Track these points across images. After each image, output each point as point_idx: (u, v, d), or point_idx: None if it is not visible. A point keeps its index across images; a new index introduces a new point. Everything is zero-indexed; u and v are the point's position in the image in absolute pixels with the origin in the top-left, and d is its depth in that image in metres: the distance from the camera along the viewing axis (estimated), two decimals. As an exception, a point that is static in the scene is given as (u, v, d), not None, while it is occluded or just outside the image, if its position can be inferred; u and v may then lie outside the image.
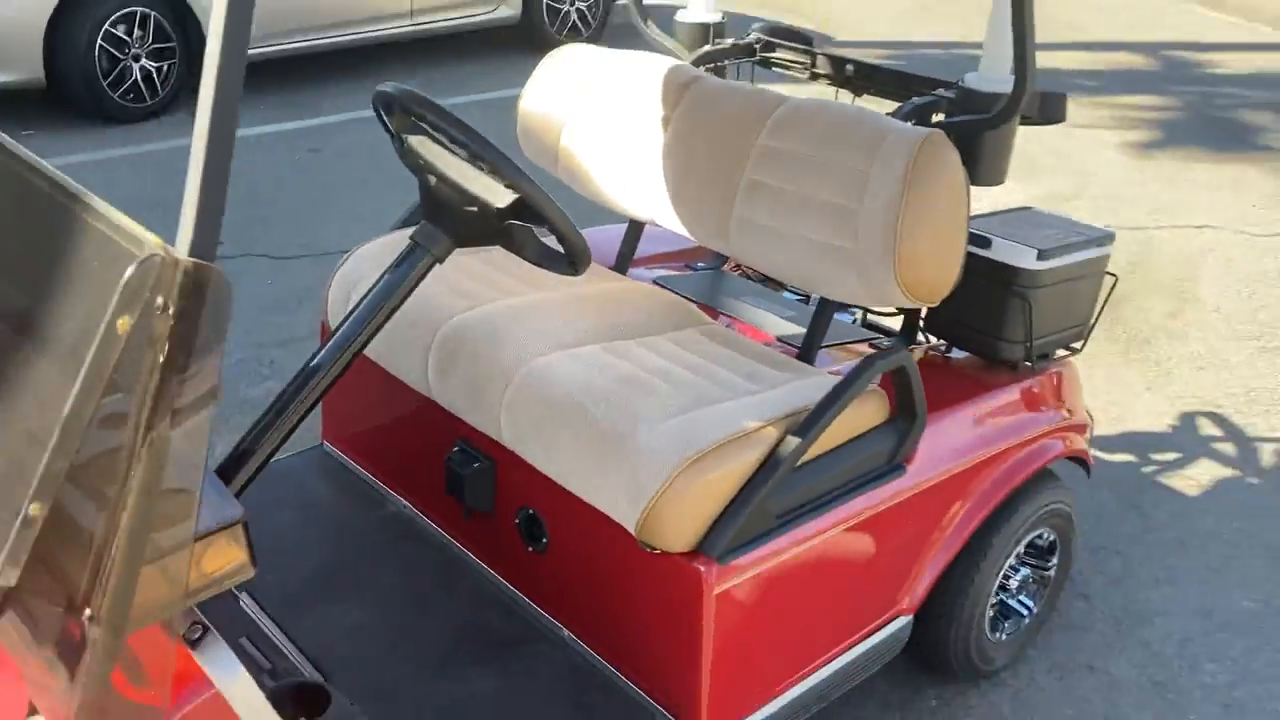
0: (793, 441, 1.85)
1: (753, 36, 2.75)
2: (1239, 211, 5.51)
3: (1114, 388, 3.79)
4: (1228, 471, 3.39)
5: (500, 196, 1.63)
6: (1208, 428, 3.61)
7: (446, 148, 1.71)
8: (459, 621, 2.08)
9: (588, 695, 1.97)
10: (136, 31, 5.83)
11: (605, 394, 1.91)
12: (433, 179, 1.69)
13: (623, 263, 2.64)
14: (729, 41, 2.75)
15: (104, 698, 1.14)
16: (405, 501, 2.36)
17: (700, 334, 2.24)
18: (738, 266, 2.81)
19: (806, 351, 2.23)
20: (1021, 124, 2.37)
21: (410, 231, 1.76)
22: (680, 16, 2.79)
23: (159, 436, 1.08)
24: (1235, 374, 3.95)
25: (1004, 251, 2.30)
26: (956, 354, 2.53)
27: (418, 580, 2.17)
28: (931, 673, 2.50)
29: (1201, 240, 5.13)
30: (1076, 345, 2.52)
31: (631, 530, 1.81)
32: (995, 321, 2.36)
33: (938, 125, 2.34)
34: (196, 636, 1.27)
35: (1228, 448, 3.51)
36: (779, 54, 2.72)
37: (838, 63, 2.63)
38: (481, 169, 1.67)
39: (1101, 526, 3.08)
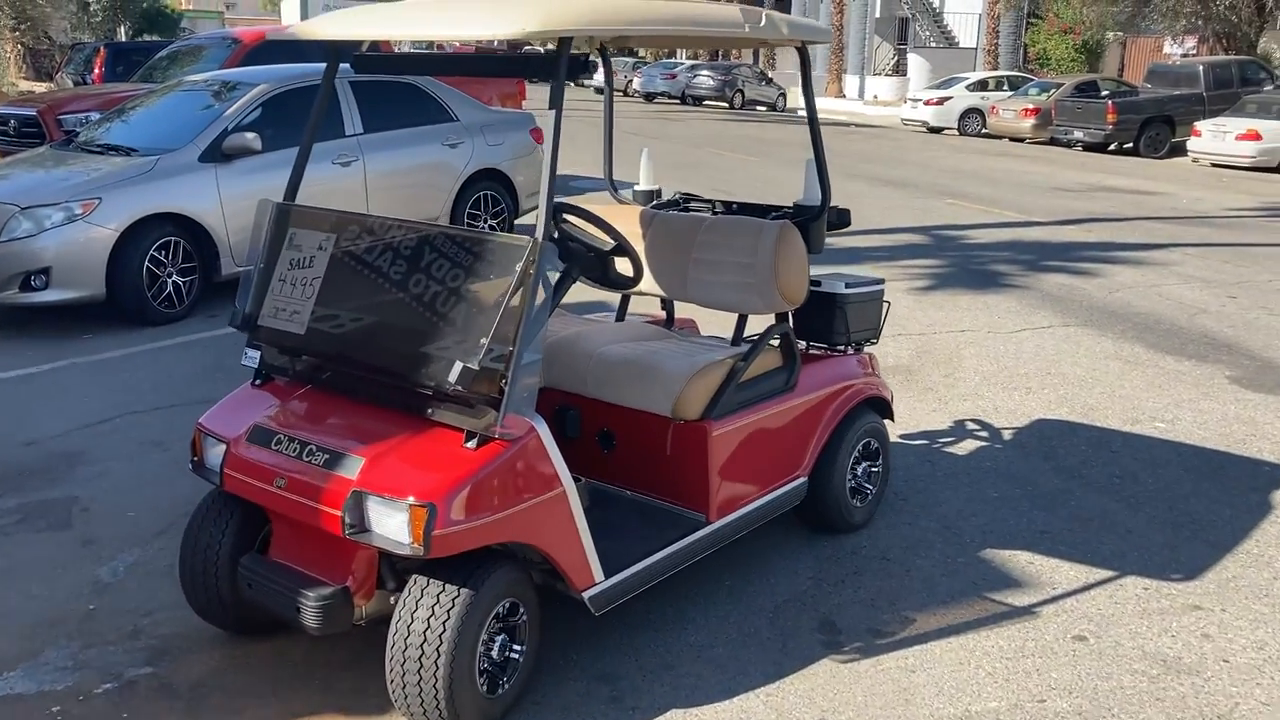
0: (741, 365, 3.82)
1: (677, 195, 4.85)
2: (989, 320, 7.90)
3: (913, 412, 5.88)
4: (982, 445, 5.49)
5: (606, 246, 3.59)
6: (970, 426, 5.73)
7: (581, 227, 3.66)
8: None
9: (650, 514, 3.80)
10: (169, 256, 7.62)
11: (642, 355, 3.85)
12: (573, 243, 3.62)
13: (620, 317, 4.61)
14: (666, 198, 4.83)
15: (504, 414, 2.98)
16: None
17: (677, 338, 4.21)
18: (681, 326, 4.79)
19: (736, 340, 4.20)
20: (829, 231, 4.47)
21: None
22: (636, 188, 4.87)
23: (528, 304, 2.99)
24: (987, 401, 6.12)
25: (828, 286, 4.38)
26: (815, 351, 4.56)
27: None
28: (822, 528, 4.39)
29: (964, 338, 7.43)
30: (874, 341, 4.58)
31: (668, 413, 3.71)
32: (829, 325, 4.42)
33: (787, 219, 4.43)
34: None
35: (982, 434, 5.62)
36: (692, 204, 4.81)
37: (726, 203, 4.72)
38: (598, 236, 3.63)
39: (910, 472, 5.08)
